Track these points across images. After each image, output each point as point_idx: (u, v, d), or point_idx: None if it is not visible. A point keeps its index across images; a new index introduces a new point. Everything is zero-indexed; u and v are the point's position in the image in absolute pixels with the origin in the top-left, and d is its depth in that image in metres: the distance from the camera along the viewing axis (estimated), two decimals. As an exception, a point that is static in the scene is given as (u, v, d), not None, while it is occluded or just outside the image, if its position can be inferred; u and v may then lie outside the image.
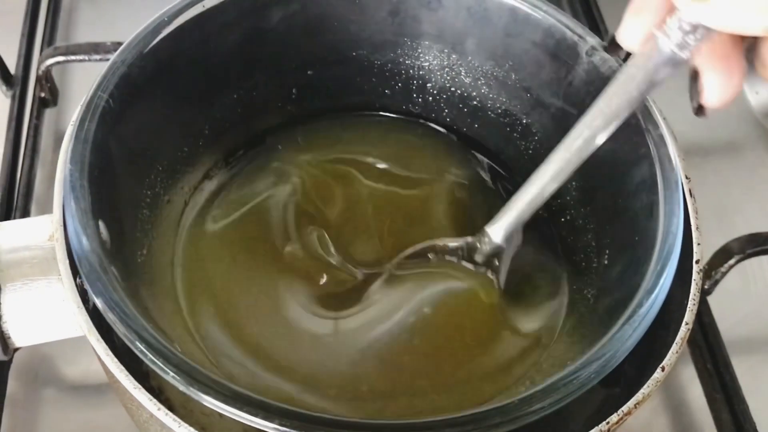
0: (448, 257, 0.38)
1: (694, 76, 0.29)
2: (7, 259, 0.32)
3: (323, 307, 0.37)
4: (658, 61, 0.29)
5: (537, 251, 0.40)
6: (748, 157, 0.55)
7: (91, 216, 0.30)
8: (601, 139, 0.32)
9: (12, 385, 0.42)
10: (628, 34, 0.30)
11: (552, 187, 0.33)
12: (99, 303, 0.28)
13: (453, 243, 0.38)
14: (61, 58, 0.50)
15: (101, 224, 0.30)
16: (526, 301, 0.38)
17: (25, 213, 0.48)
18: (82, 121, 0.32)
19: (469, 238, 0.37)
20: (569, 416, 0.34)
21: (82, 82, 0.55)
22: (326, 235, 0.39)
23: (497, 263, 0.37)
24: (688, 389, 0.45)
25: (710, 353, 0.44)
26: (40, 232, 0.32)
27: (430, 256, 0.38)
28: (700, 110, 0.29)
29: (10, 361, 0.42)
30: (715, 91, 0.29)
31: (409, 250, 0.38)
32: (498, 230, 0.36)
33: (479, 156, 0.44)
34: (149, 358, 0.27)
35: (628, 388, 0.30)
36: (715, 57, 0.28)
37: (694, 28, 0.27)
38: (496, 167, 0.44)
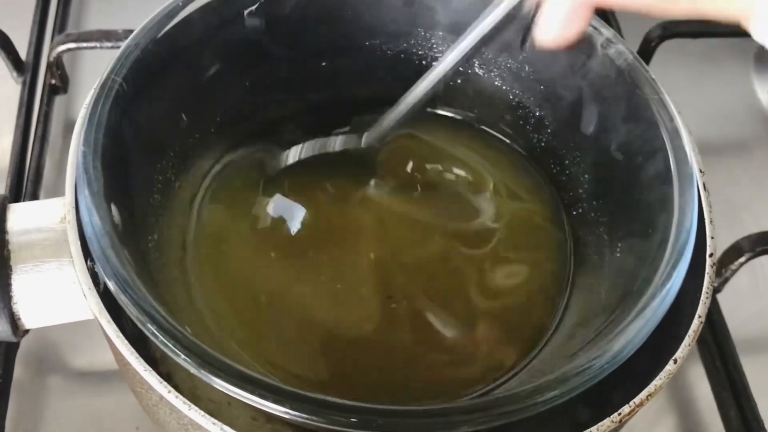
0: None
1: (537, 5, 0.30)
2: (19, 241, 0.31)
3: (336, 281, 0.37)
4: None
5: (547, 245, 0.40)
6: (759, 156, 0.55)
7: (103, 198, 0.30)
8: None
9: (18, 371, 0.42)
10: None
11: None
12: (111, 285, 0.28)
13: None
14: (72, 45, 0.50)
15: (113, 207, 0.30)
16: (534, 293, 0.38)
17: (34, 199, 0.47)
18: (95, 103, 0.32)
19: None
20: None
21: (93, 70, 0.55)
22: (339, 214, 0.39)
23: None
24: (696, 387, 0.45)
25: (719, 351, 0.44)
26: (51, 215, 0.32)
27: None
28: (525, 42, 0.30)
29: (16, 347, 0.42)
30: (552, 28, 0.29)
31: None
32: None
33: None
34: (160, 340, 0.27)
35: (640, 380, 0.30)
36: None
37: None
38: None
